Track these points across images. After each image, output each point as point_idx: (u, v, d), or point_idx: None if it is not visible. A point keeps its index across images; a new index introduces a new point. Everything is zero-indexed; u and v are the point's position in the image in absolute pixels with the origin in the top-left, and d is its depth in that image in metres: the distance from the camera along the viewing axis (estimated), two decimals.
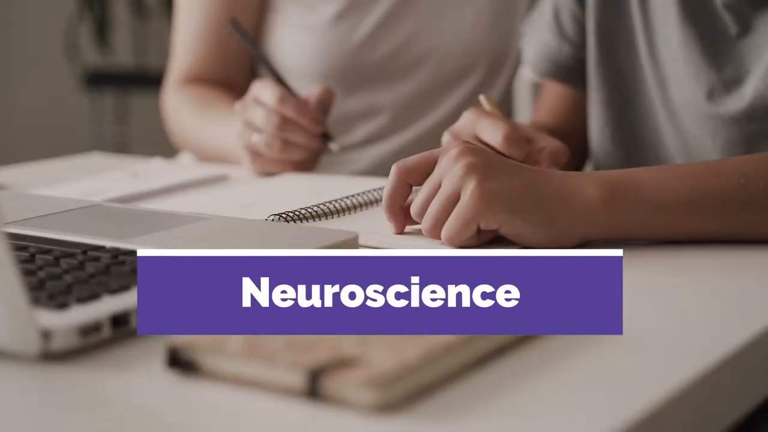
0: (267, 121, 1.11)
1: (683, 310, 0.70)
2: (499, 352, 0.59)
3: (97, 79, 3.17)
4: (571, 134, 1.22)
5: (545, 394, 0.56)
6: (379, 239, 0.84)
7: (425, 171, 0.84)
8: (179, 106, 1.36)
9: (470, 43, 1.36)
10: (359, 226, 0.88)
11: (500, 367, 0.58)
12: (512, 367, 0.58)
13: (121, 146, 3.42)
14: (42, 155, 1.76)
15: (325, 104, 1.14)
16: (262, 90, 1.13)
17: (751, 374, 0.64)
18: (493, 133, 0.95)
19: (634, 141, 1.14)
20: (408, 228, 0.86)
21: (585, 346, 0.62)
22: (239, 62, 1.39)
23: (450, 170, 0.81)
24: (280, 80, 1.16)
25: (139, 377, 0.58)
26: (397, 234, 0.86)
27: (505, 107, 1.41)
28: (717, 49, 1.04)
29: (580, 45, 1.19)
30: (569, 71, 1.21)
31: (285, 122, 1.11)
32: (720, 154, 1.05)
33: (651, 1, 1.09)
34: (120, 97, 3.48)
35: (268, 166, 1.15)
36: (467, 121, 0.98)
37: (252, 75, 1.40)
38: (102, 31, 3.29)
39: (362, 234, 0.85)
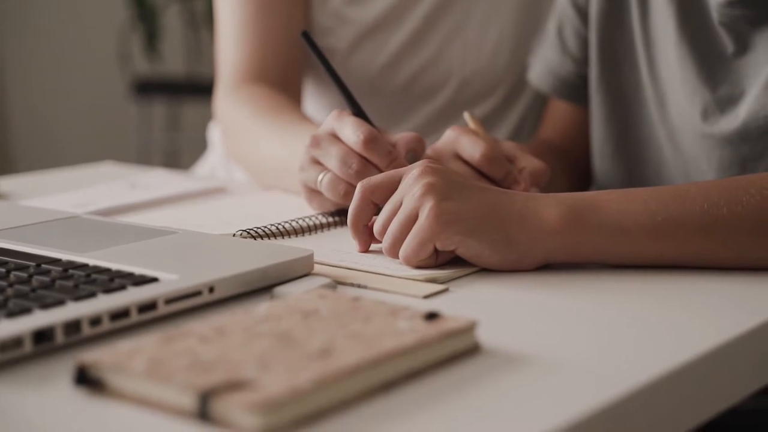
0: (343, 162, 0.92)
1: (613, 336, 0.68)
2: (407, 378, 0.58)
3: (147, 88, 3.21)
4: (575, 151, 1.22)
5: (445, 421, 0.55)
6: (339, 258, 0.83)
7: (389, 189, 0.84)
8: (231, 112, 1.24)
9: (492, 66, 1.34)
10: (328, 244, 0.88)
11: (406, 393, 0.57)
12: (418, 392, 0.57)
13: (171, 154, 3.46)
14: (89, 161, 1.78)
15: (414, 155, 0.96)
16: (344, 125, 0.94)
17: (666, 407, 0.62)
18: (471, 151, 0.95)
19: (634, 159, 1.12)
20: (373, 246, 0.86)
21: (497, 370, 0.61)
22: (291, 56, 1.28)
23: (410, 190, 0.80)
24: (356, 106, 0.97)
25: (48, 395, 0.58)
26: (361, 252, 0.86)
27: (529, 126, 1.40)
28: (713, 68, 1.03)
29: (583, 61, 1.18)
30: (572, 87, 1.20)
31: (366, 168, 0.92)
32: (715, 174, 1.03)
33: (651, 18, 1.08)
34: (171, 106, 3.52)
35: (327, 205, 0.98)
36: (448, 139, 0.97)
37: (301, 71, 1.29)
38: (152, 40, 3.34)
39: (325, 252, 0.85)
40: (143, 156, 3.26)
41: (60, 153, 3.70)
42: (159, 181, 1.22)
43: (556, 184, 1.13)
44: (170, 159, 3.44)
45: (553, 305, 0.74)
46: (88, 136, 3.72)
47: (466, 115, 1.03)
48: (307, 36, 0.96)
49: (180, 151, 3.50)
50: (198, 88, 3.17)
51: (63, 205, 1.07)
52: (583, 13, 1.16)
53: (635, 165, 1.13)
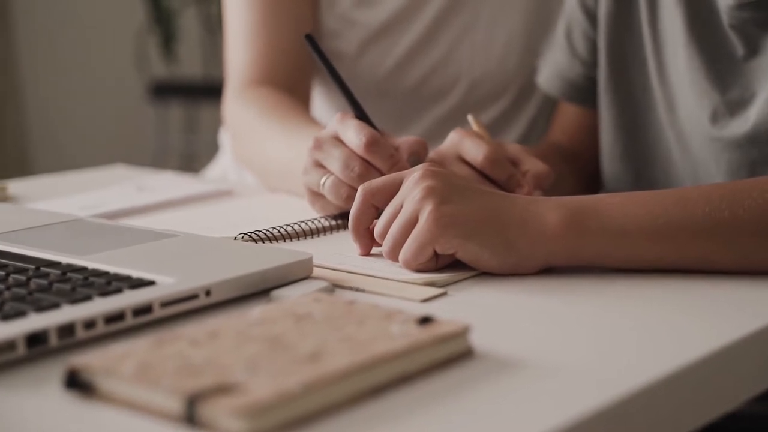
0: (345, 165, 0.92)
1: (614, 340, 0.68)
2: (399, 382, 0.58)
3: (164, 90, 3.23)
4: (584, 154, 1.21)
5: (439, 423, 0.54)
6: (339, 261, 0.83)
7: (390, 193, 0.83)
8: (239, 113, 1.24)
9: (501, 68, 1.33)
10: (329, 247, 0.88)
11: (398, 397, 0.57)
12: (410, 396, 0.57)
13: (188, 157, 3.46)
14: (106, 163, 1.79)
15: (417, 159, 0.96)
16: (346, 128, 0.93)
17: (666, 410, 0.62)
18: (474, 153, 0.94)
19: (643, 161, 1.12)
20: (374, 250, 0.86)
21: (494, 374, 0.60)
22: (299, 58, 1.27)
23: (410, 193, 0.80)
24: (359, 109, 0.97)
25: (41, 398, 0.58)
26: (362, 255, 0.85)
27: (539, 129, 1.39)
28: (723, 71, 1.02)
29: (592, 64, 1.17)
30: (581, 90, 1.20)
31: (368, 172, 0.92)
32: (724, 177, 1.02)
33: (660, 21, 1.07)
34: (188, 108, 3.53)
35: (329, 208, 0.97)
36: (452, 142, 0.97)
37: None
38: (169, 42, 3.35)
39: (325, 255, 0.84)
40: (160, 158, 3.27)
41: (77, 155, 3.72)
42: (166, 183, 1.22)
43: (565, 186, 1.13)
44: (186, 161, 3.45)
45: (553, 309, 0.74)
46: (104, 139, 3.74)
47: (470, 118, 1.02)
48: (310, 39, 0.96)
49: (196, 153, 3.51)
50: (214, 91, 3.17)
51: (70, 207, 1.07)
52: (591, 16, 1.16)
53: (644, 168, 1.12)
